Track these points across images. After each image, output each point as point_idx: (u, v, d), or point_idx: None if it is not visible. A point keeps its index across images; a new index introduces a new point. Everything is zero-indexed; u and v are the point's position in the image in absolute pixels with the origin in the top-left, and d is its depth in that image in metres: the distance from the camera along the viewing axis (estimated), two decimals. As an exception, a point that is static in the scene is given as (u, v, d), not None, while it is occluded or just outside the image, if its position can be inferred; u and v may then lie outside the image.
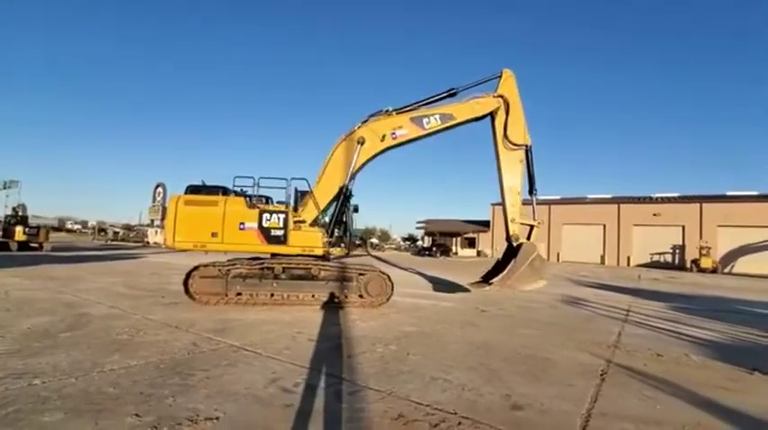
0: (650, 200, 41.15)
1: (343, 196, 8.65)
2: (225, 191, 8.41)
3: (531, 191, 9.36)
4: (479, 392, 3.69)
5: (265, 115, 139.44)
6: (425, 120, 8.91)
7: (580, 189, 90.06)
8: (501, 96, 9.17)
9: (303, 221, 8.26)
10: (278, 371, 4.03)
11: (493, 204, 48.66)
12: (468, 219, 53.71)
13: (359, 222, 10.22)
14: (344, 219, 8.97)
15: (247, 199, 8.22)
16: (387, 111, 8.90)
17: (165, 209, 45.41)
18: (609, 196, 43.61)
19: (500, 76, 9.31)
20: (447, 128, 9.17)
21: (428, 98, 9.08)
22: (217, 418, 2.94)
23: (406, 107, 8.99)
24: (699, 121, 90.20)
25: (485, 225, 49.36)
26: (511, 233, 9.02)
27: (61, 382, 3.49)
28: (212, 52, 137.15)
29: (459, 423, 3.03)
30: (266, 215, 7.99)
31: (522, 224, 9.11)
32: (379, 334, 5.88)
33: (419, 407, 3.28)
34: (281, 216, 8.03)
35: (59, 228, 58.60)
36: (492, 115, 9.25)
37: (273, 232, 7.94)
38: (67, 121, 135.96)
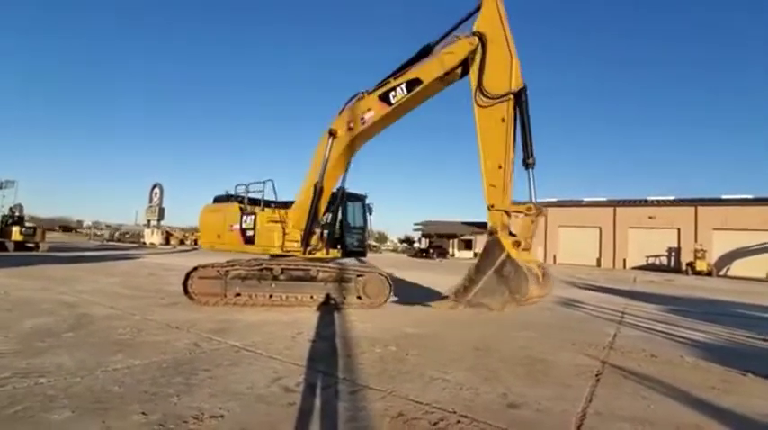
0: (645, 203, 41.36)
1: (338, 197, 8.71)
2: (235, 198, 9.08)
3: (526, 161, 5.99)
4: (477, 392, 3.77)
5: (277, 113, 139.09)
6: (392, 94, 7.25)
7: (576, 192, 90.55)
8: (478, 34, 6.38)
9: (278, 221, 8.41)
10: (279, 371, 4.10)
11: (490, 206, 48.78)
12: (466, 221, 53.84)
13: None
14: (337, 221, 8.86)
15: (242, 204, 8.85)
16: (361, 93, 7.76)
17: (162, 209, 45.23)
18: (604, 199, 43.83)
19: (479, 8, 6.51)
20: (418, 98, 7.26)
21: (402, 65, 7.33)
22: (221, 416, 3.01)
23: (379, 84, 7.58)
24: (695, 126, 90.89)
25: (482, 227, 49.43)
26: (490, 225, 6.11)
27: (67, 381, 3.55)
28: (210, 49, 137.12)
29: (458, 421, 3.11)
30: (244, 217, 8.64)
31: (503, 212, 5.99)
32: (378, 334, 5.95)
33: (418, 406, 3.36)
34: (252, 217, 8.54)
35: (56, 228, 58.35)
36: (467, 65, 6.60)
37: (248, 232, 8.55)
38: (63, 121, 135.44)
